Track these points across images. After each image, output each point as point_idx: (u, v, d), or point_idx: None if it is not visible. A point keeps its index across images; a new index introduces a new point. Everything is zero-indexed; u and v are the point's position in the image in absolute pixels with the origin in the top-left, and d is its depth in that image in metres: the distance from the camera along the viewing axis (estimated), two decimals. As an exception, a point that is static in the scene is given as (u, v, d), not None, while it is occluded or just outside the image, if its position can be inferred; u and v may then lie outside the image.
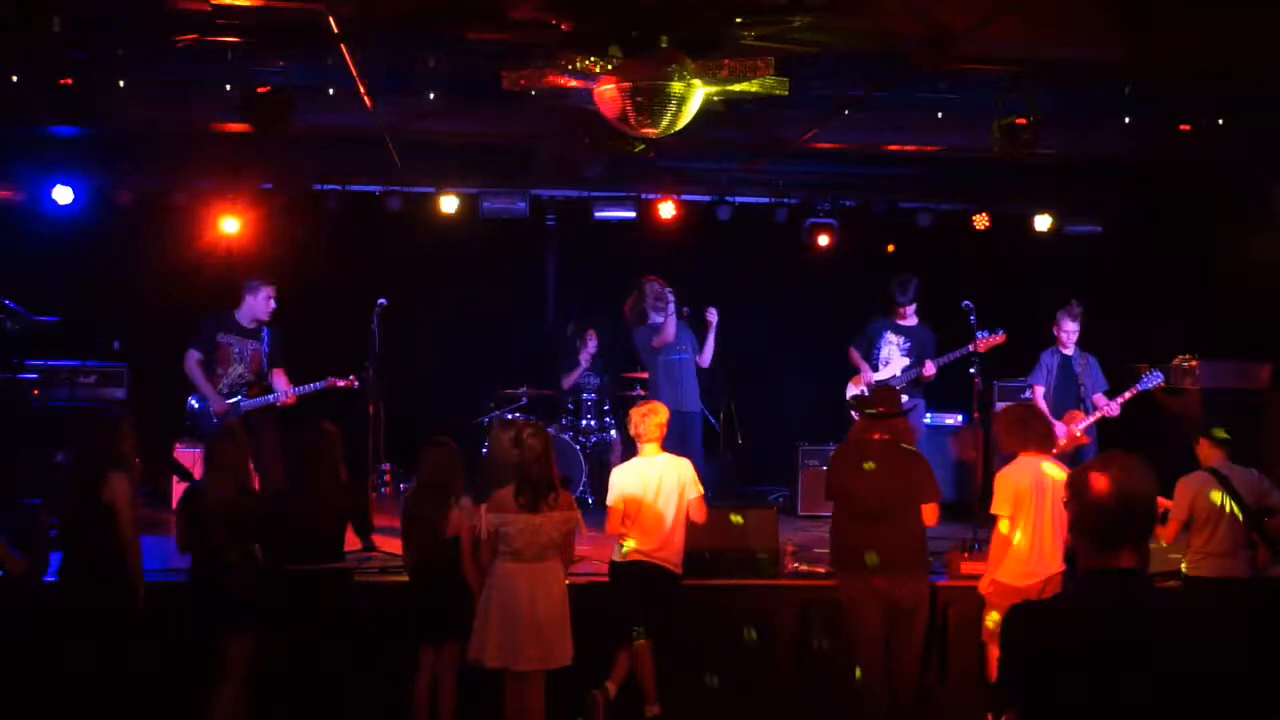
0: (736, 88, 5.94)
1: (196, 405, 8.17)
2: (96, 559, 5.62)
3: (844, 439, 6.57)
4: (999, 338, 8.69)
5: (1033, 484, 6.11)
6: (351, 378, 8.18)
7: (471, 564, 5.78)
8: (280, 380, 8.20)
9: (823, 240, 10.92)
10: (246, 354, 8.19)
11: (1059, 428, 8.29)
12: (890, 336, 9.31)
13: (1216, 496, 6.22)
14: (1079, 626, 2.59)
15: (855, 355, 9.38)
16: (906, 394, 9.01)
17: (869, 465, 6.06)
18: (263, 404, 8.09)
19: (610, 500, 6.35)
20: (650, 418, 6.39)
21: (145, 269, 10.26)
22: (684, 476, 6.39)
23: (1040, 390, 8.50)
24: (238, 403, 8.07)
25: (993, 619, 6.17)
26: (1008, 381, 10.16)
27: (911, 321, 9.31)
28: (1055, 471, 6.19)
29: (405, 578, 6.34)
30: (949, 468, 9.82)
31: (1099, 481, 2.72)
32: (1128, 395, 8.22)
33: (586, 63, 5.70)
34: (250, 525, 5.73)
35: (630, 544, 6.28)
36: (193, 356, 8.09)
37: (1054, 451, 8.06)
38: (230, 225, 10.15)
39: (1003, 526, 6.10)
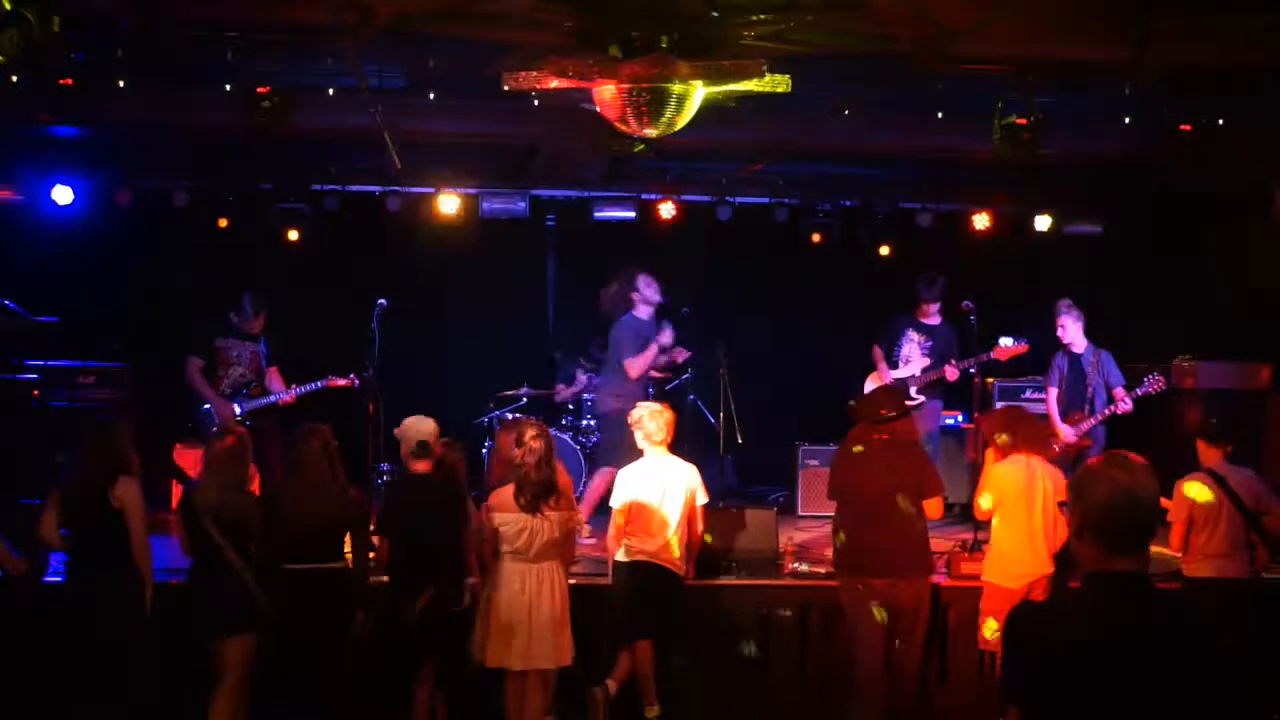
0: (737, 88, 5.94)
1: (205, 408, 8.20)
2: (107, 562, 5.63)
3: (844, 439, 6.55)
4: (1021, 347, 8.64)
5: (1023, 484, 6.13)
6: (352, 376, 8.23)
7: (476, 567, 5.78)
8: (275, 380, 8.29)
9: (816, 238, 10.91)
10: (245, 356, 8.28)
11: (1064, 430, 8.29)
12: (912, 334, 9.25)
13: (1213, 496, 6.22)
14: (1082, 630, 2.58)
15: (878, 353, 9.33)
16: (923, 394, 9.01)
17: (858, 449, 6.09)
18: (265, 404, 8.16)
19: (616, 501, 6.35)
20: (659, 418, 6.41)
21: (145, 269, 10.27)
22: (691, 481, 6.42)
23: (1054, 392, 8.49)
24: (241, 405, 8.12)
25: (990, 628, 6.19)
26: (1008, 381, 10.16)
27: (935, 320, 9.24)
28: (1048, 472, 6.21)
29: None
30: (952, 468, 9.80)
31: (1104, 483, 2.68)
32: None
33: (587, 63, 5.70)
34: (247, 526, 5.73)
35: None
36: (194, 364, 8.18)
37: (1051, 455, 8.10)
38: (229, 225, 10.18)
39: (983, 502, 6.24)
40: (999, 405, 9.48)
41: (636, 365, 8.34)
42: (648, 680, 6.27)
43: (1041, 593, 6.12)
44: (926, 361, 9.15)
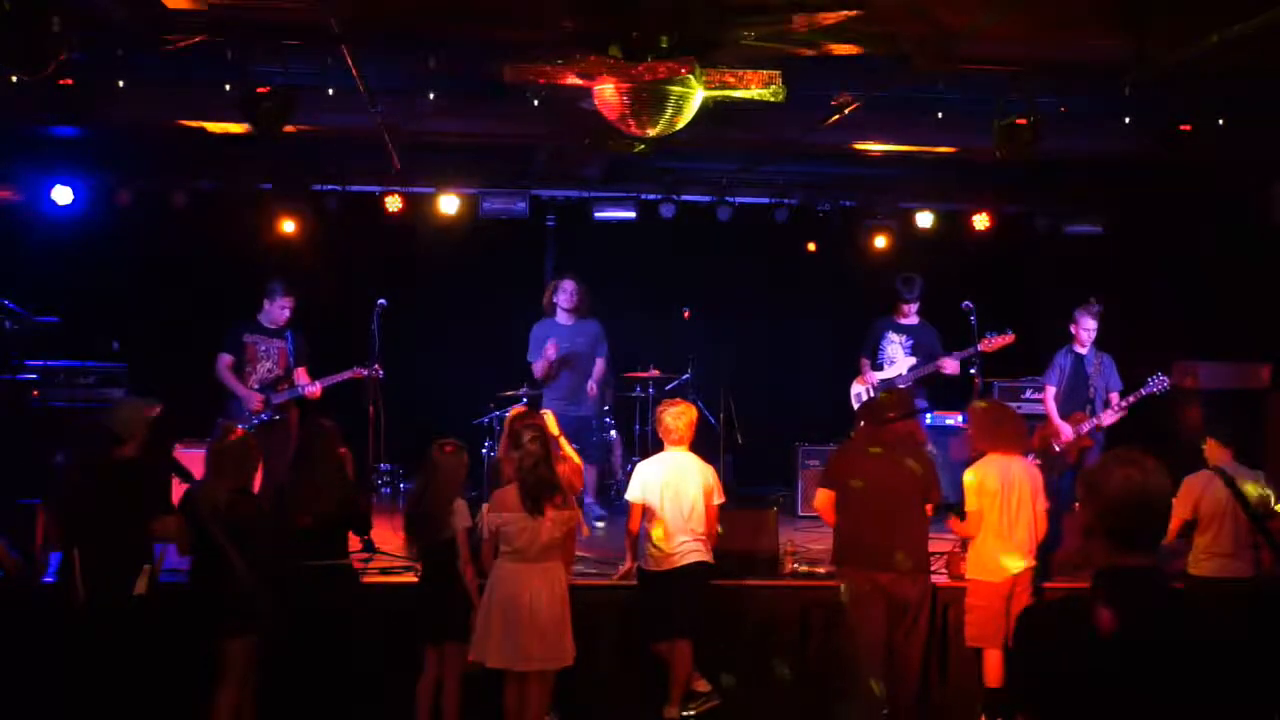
0: (737, 93, 5.93)
1: (234, 403, 8.20)
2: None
3: (844, 439, 6.57)
4: (1007, 338, 8.68)
5: (1000, 482, 6.17)
6: (376, 367, 8.28)
7: (469, 566, 5.78)
8: (302, 378, 8.37)
9: (812, 246, 10.90)
10: (273, 352, 8.38)
11: (1064, 429, 8.29)
12: (892, 336, 9.31)
13: (1222, 496, 6.23)
14: (1091, 630, 2.57)
15: (865, 364, 9.42)
16: (912, 394, 9.03)
17: (876, 451, 6.10)
18: (291, 397, 8.23)
19: (631, 493, 6.37)
20: (683, 417, 6.43)
21: (145, 269, 10.26)
22: (710, 479, 6.47)
23: (1051, 390, 8.49)
24: (269, 397, 8.17)
25: (974, 622, 6.24)
26: (1008, 381, 10.15)
27: (913, 320, 9.31)
28: (1025, 471, 6.25)
29: (406, 578, 6.35)
30: (950, 468, 9.80)
31: (1116, 480, 2.67)
32: (1132, 399, 8.23)
33: (587, 63, 5.70)
34: (249, 526, 5.71)
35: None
36: (224, 360, 8.24)
37: (1052, 453, 8.12)
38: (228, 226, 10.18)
39: (972, 522, 6.26)
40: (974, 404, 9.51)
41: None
42: (680, 683, 6.30)
43: (1025, 586, 6.21)
44: (912, 361, 9.19)
